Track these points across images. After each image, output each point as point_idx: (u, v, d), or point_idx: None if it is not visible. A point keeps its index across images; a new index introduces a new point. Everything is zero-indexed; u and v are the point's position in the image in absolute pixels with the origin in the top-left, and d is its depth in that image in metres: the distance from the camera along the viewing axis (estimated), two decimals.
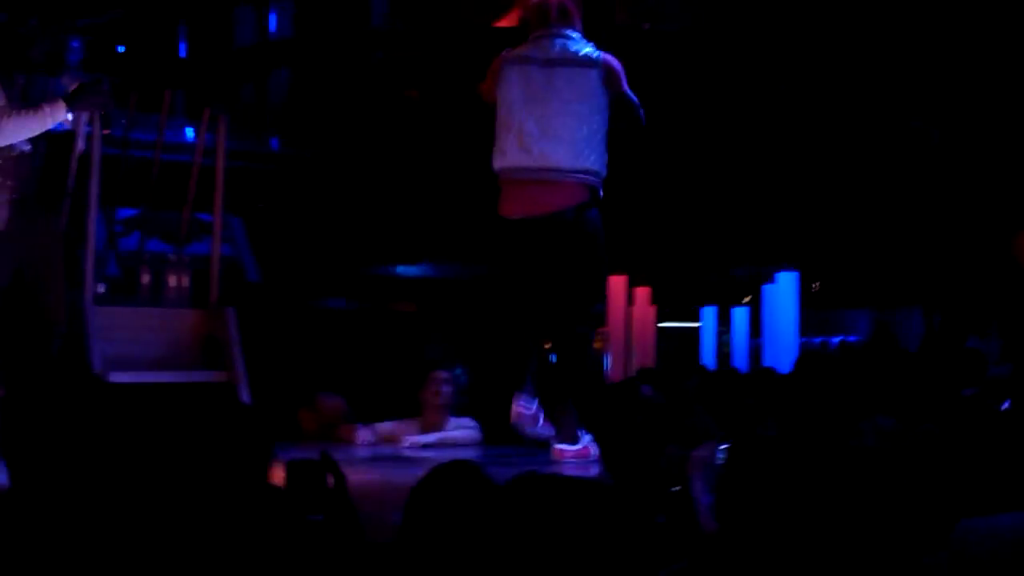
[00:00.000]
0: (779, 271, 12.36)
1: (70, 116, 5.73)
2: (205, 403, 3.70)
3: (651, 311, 12.79)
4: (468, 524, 2.39)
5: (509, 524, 2.05)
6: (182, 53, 16.03)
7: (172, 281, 7.47)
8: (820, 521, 2.35)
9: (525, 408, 6.27)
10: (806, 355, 12.11)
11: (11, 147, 5.72)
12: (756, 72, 13.51)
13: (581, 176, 6.09)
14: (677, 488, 3.69)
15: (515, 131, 6.18)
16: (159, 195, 7.39)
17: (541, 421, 6.33)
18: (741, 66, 13.46)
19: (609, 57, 6.33)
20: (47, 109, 5.60)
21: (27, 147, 5.83)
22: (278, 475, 2.86)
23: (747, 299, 13.64)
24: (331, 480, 2.45)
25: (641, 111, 6.33)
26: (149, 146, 7.55)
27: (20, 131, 5.61)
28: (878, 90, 12.11)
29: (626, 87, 6.33)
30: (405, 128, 13.95)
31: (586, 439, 6.26)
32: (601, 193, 6.24)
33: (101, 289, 6.92)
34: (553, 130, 6.08)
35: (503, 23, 14.76)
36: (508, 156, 6.21)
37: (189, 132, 11.09)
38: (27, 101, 5.72)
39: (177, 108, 11.41)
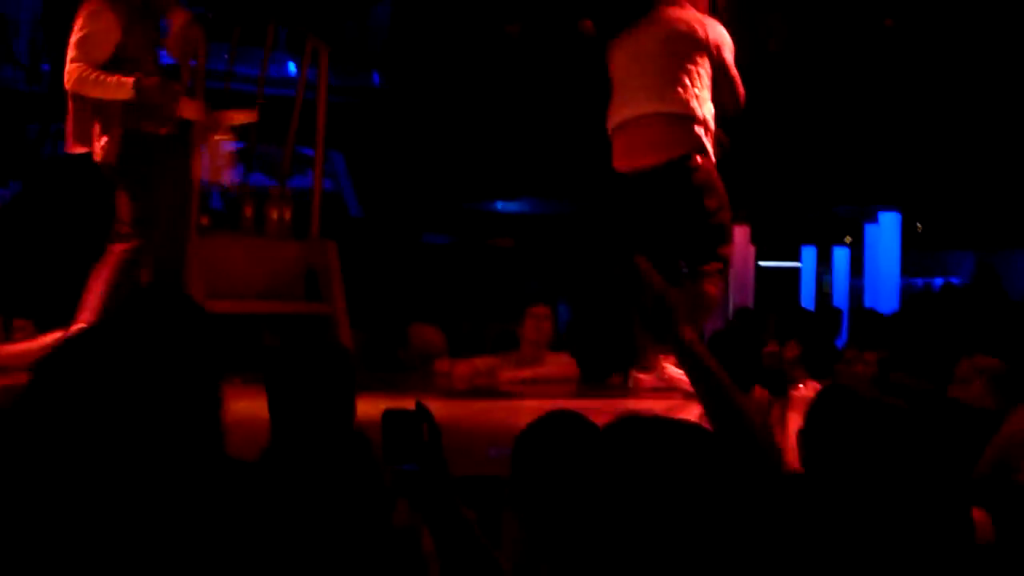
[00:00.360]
0: (881, 210, 12.23)
1: (134, 95, 5.76)
2: (297, 339, 3.74)
3: (750, 250, 12.71)
4: (573, 471, 2.42)
5: (611, 470, 2.07)
6: None
7: (274, 214, 7.53)
8: (899, 473, 2.35)
9: (644, 375, 6.22)
10: (910, 297, 11.99)
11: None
12: (863, 9, 13.31)
13: (690, 123, 5.97)
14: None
15: (623, 90, 6.16)
16: (262, 128, 7.45)
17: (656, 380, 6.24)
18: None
19: (716, 22, 6.22)
20: (121, 85, 5.67)
21: None
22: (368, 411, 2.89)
23: (848, 239, 13.52)
24: (426, 431, 2.47)
25: (741, 91, 6.19)
26: (252, 80, 7.62)
27: (95, 90, 5.69)
28: (986, 29, 11.88)
29: (731, 59, 6.15)
30: (506, 64, 13.93)
31: (665, 366, 6.11)
32: (709, 145, 6.07)
33: (203, 221, 7.00)
34: (654, 81, 6.03)
35: None
36: (619, 110, 6.18)
37: (291, 66, 11.17)
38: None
39: (279, 42, 11.49)
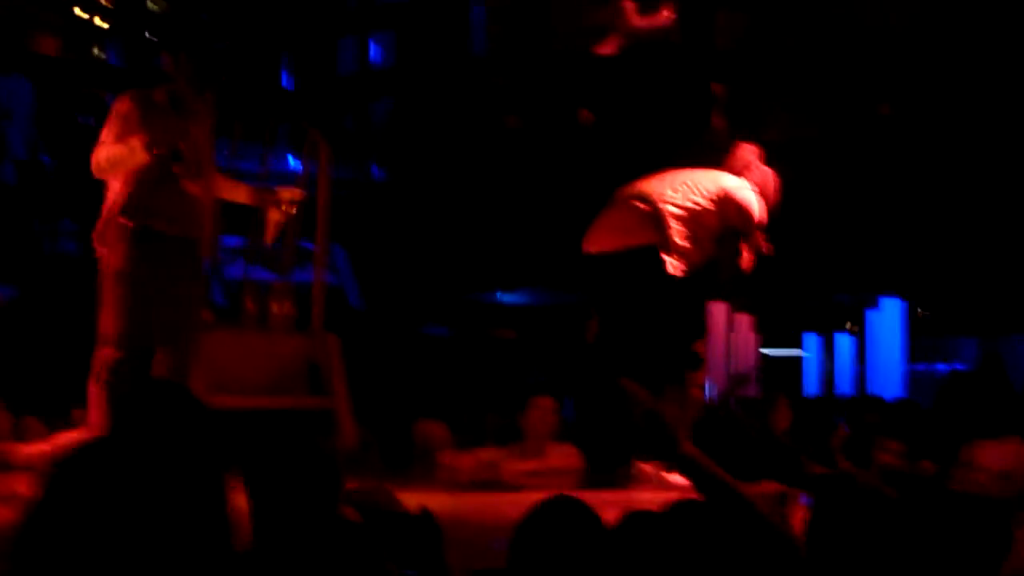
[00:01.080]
0: (882, 297, 12.23)
1: (151, 153, 5.72)
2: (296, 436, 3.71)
3: (753, 338, 12.68)
4: (575, 561, 2.38)
5: (620, 565, 2.05)
6: (285, 83, 16.23)
7: (276, 308, 7.54)
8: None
9: (649, 467, 6.25)
10: (917, 384, 11.96)
11: (184, 190, 5.80)
12: (859, 97, 13.41)
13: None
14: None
15: None
16: (263, 224, 7.46)
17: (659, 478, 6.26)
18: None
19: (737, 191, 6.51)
20: (132, 145, 5.65)
21: (199, 192, 5.89)
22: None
23: (851, 325, 13.50)
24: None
25: (739, 264, 6.41)
26: (253, 175, 7.65)
27: (111, 165, 5.67)
28: (986, 112, 11.95)
29: (748, 229, 6.45)
30: (506, 156, 13.99)
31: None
32: None
33: (207, 316, 7.00)
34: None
35: (603, 50, 14.78)
36: None
37: (292, 161, 11.22)
38: None
39: (280, 137, 11.56)
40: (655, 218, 6.22)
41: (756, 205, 6.47)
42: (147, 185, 5.70)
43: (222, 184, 6.29)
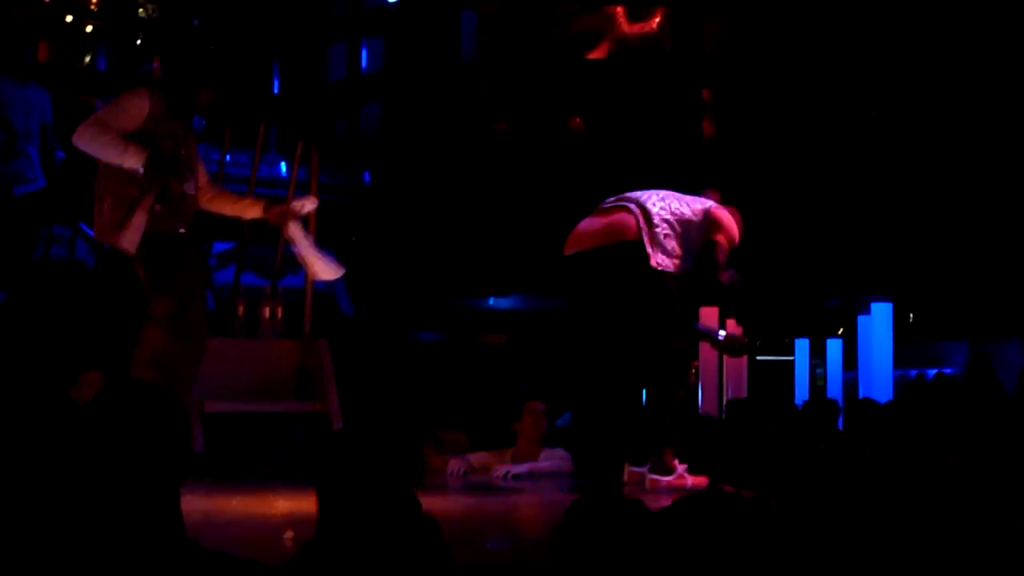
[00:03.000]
0: (873, 301, 12.24)
1: (140, 169, 5.74)
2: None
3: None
4: (623, 547, 2.36)
5: (670, 546, 2.07)
6: (275, 89, 16.26)
7: (266, 313, 7.56)
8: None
9: (638, 471, 6.31)
10: (907, 386, 11.97)
11: (182, 191, 5.81)
12: (848, 103, 13.46)
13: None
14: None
15: None
16: (253, 229, 7.47)
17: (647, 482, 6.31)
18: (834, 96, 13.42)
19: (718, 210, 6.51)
20: (131, 151, 5.65)
21: (192, 191, 5.98)
22: None
23: (840, 331, 13.53)
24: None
25: (719, 268, 6.42)
26: (244, 180, 7.66)
27: (101, 150, 5.67)
28: (972, 120, 12.01)
29: (720, 238, 6.42)
30: (495, 161, 14.01)
31: (680, 469, 6.25)
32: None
33: None
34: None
35: (593, 55, 14.81)
36: None
37: (283, 166, 11.24)
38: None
39: (271, 143, 11.57)
40: (640, 217, 6.25)
41: (736, 228, 6.54)
42: (144, 200, 5.74)
43: (235, 202, 6.28)
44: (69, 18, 15.91)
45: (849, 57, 13.54)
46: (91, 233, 6.66)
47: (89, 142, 5.68)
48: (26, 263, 8.91)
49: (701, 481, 6.22)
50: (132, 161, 5.63)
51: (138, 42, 14.40)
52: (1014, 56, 12.49)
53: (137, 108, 5.71)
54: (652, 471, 6.23)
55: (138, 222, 5.69)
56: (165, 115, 5.77)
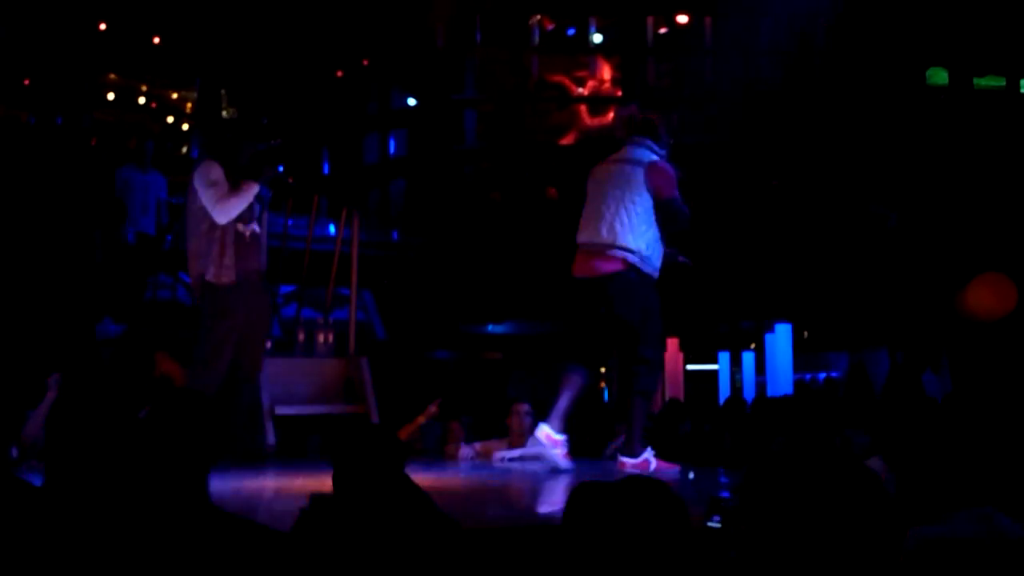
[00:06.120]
0: (777, 323, 12.27)
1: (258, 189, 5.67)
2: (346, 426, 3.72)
3: (679, 356, 12.74)
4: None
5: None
6: (325, 169, 16.28)
7: (320, 338, 7.55)
8: (815, 520, 2.20)
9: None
10: (799, 388, 11.99)
11: (253, 231, 5.75)
12: (757, 173, 13.49)
13: (617, 251, 5.82)
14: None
15: (585, 214, 5.99)
16: (310, 275, 7.49)
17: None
18: (745, 169, 13.45)
19: (659, 163, 5.77)
20: (245, 187, 5.62)
21: (257, 228, 5.82)
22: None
23: (753, 345, 13.54)
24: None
25: (683, 216, 5.72)
26: (302, 239, 7.67)
27: (239, 201, 5.62)
28: (848, 182, 12.05)
29: (672, 193, 5.70)
30: (491, 221, 14.07)
31: (645, 453, 5.66)
32: (644, 267, 5.93)
33: (268, 345, 7.00)
34: (600, 213, 5.86)
35: (564, 142, 14.89)
36: (580, 232, 6.01)
37: (331, 227, 11.24)
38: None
39: (322, 210, 11.58)
40: (624, 256, 5.77)
41: (670, 172, 5.79)
42: (229, 246, 5.71)
43: None
44: (170, 119, 15.95)
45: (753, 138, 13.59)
46: (187, 279, 6.65)
47: (231, 209, 5.68)
48: (138, 303, 8.92)
49: (666, 466, 5.70)
50: (253, 187, 5.70)
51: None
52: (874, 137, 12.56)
53: (218, 171, 5.72)
54: (621, 453, 5.76)
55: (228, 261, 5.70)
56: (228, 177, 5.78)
